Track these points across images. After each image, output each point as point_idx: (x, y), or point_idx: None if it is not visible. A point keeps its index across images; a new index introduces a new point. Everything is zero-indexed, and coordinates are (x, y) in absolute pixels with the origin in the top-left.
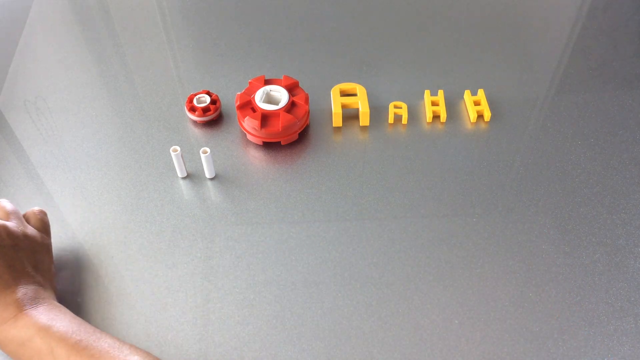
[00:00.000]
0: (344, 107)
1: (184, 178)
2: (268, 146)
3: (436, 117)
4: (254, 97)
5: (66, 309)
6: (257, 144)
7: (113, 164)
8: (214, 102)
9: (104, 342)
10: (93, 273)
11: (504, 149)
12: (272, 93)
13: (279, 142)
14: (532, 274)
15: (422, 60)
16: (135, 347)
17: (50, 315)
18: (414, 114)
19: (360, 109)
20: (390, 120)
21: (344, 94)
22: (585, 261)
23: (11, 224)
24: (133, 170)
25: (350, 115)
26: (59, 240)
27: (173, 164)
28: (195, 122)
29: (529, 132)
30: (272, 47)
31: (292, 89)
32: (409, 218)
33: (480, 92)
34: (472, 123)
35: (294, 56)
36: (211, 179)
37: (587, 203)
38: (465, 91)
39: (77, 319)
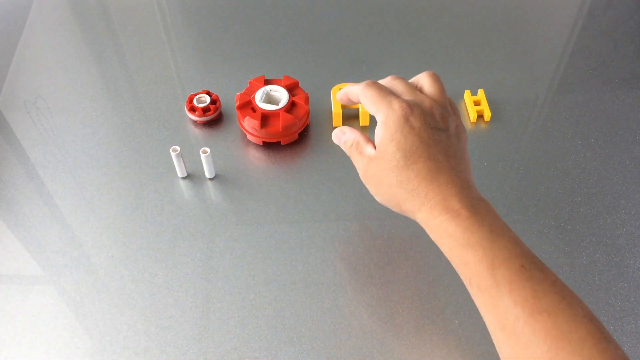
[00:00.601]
0: (344, 107)
1: (184, 178)
2: (268, 146)
3: None
4: (254, 97)
5: (498, 214)
6: (257, 144)
7: (113, 164)
8: (214, 102)
9: (547, 275)
10: (93, 273)
11: (504, 149)
12: (272, 93)
13: (279, 142)
14: None
15: (422, 60)
16: (576, 296)
17: (492, 225)
18: None
19: (360, 109)
20: None
21: None
22: (585, 261)
23: (444, 107)
24: (133, 170)
25: (350, 115)
26: (58, 240)
27: (173, 164)
28: (195, 122)
29: (529, 132)
30: (272, 47)
31: (292, 89)
32: (409, 218)
33: (480, 92)
34: (472, 123)
35: (294, 56)
36: (211, 179)
37: (587, 203)
38: (465, 91)
39: (514, 235)
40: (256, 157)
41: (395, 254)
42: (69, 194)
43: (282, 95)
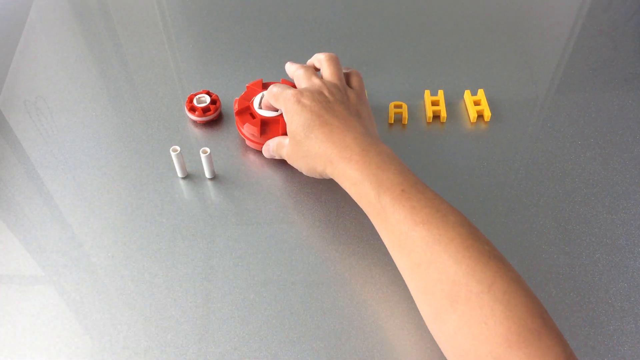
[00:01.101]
0: None
1: (184, 178)
2: None
3: (436, 117)
4: (252, 102)
5: (394, 154)
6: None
7: (113, 164)
8: (214, 102)
9: (426, 195)
10: (93, 273)
11: (504, 149)
12: None
13: None
14: (532, 274)
15: (422, 60)
16: (452, 208)
17: (379, 163)
18: (414, 114)
19: None
20: (390, 120)
21: None
22: (585, 261)
23: (334, 84)
24: (133, 170)
25: None
26: (58, 240)
27: (173, 164)
28: (195, 122)
29: (529, 132)
30: (272, 47)
31: None
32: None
33: (480, 92)
34: (472, 123)
35: (294, 56)
36: (211, 179)
37: (587, 203)
38: (465, 91)
39: (403, 168)
40: (256, 157)
41: None
42: (69, 194)
43: None
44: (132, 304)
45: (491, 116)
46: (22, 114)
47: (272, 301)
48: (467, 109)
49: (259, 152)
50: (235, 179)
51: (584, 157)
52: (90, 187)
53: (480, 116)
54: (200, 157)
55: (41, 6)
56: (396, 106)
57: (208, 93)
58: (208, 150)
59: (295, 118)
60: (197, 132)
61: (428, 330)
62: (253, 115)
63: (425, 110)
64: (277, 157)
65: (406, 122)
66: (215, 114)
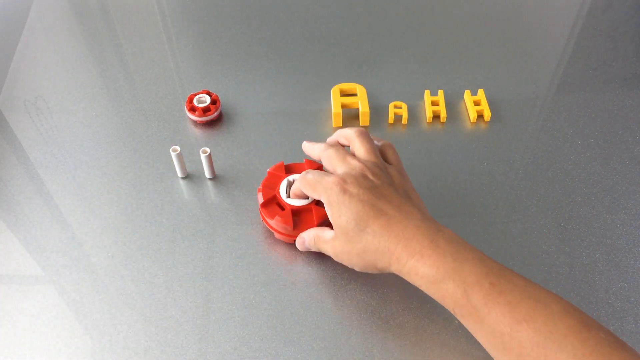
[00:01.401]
0: (344, 107)
1: (184, 178)
2: (268, 147)
3: (436, 117)
4: (278, 190)
5: (458, 236)
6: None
7: (113, 164)
8: (214, 102)
9: (516, 283)
10: (93, 273)
11: (504, 149)
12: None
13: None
14: (532, 274)
15: (422, 60)
16: (549, 293)
17: (453, 253)
18: (414, 114)
19: (360, 109)
20: (390, 120)
21: (344, 94)
22: (585, 261)
23: (374, 163)
24: (133, 170)
25: (350, 115)
26: (58, 240)
27: (173, 164)
28: (195, 122)
29: (529, 132)
30: (273, 47)
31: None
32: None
33: (480, 92)
34: (472, 123)
35: (294, 56)
36: (211, 179)
37: (587, 203)
38: (465, 91)
39: (476, 253)
40: (256, 157)
41: None
42: (69, 194)
43: None
44: (132, 304)
45: (491, 116)
46: (22, 114)
47: (272, 301)
48: (467, 109)
49: (260, 153)
50: (235, 179)
51: (584, 157)
52: (90, 187)
53: (480, 116)
54: (200, 157)
55: (41, 6)
56: (396, 106)
57: (208, 93)
58: (208, 150)
59: (344, 211)
60: (197, 132)
61: (428, 330)
62: (281, 205)
63: (425, 110)
64: (314, 250)
65: (406, 122)
66: (215, 114)
